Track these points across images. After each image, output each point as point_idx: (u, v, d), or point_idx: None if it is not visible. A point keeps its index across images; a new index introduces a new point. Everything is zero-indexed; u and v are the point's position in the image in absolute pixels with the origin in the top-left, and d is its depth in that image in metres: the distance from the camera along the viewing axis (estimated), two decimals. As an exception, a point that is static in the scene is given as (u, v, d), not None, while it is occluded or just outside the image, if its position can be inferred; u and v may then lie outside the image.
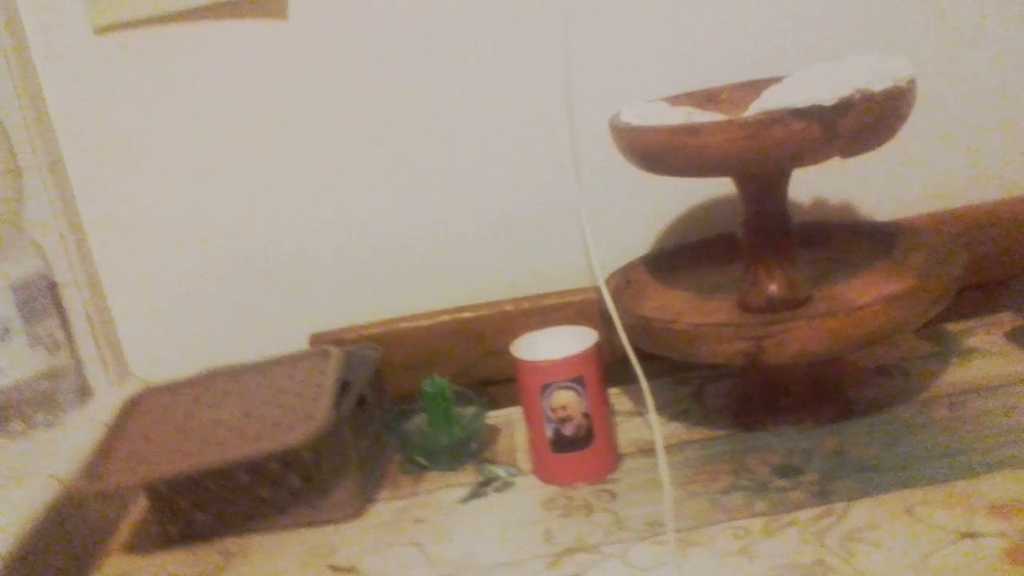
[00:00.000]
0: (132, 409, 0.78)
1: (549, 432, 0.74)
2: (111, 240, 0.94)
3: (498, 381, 0.93)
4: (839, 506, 0.64)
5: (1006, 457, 0.66)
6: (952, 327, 0.88)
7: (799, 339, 0.67)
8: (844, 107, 0.62)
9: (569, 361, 0.72)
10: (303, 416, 0.71)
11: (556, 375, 0.72)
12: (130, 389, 0.91)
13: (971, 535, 0.58)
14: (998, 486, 0.63)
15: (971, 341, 0.85)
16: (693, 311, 0.80)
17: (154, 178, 0.92)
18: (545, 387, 0.73)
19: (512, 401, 0.82)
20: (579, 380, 0.72)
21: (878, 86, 0.64)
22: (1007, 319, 0.88)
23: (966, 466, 0.65)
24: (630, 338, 0.75)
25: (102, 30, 0.87)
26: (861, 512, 0.63)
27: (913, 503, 0.63)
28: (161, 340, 0.97)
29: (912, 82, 0.67)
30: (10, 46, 0.86)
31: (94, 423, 0.86)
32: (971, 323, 0.88)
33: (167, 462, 0.70)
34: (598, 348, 0.74)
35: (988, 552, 0.56)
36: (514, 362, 0.74)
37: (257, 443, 0.69)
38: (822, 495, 0.66)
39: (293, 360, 0.81)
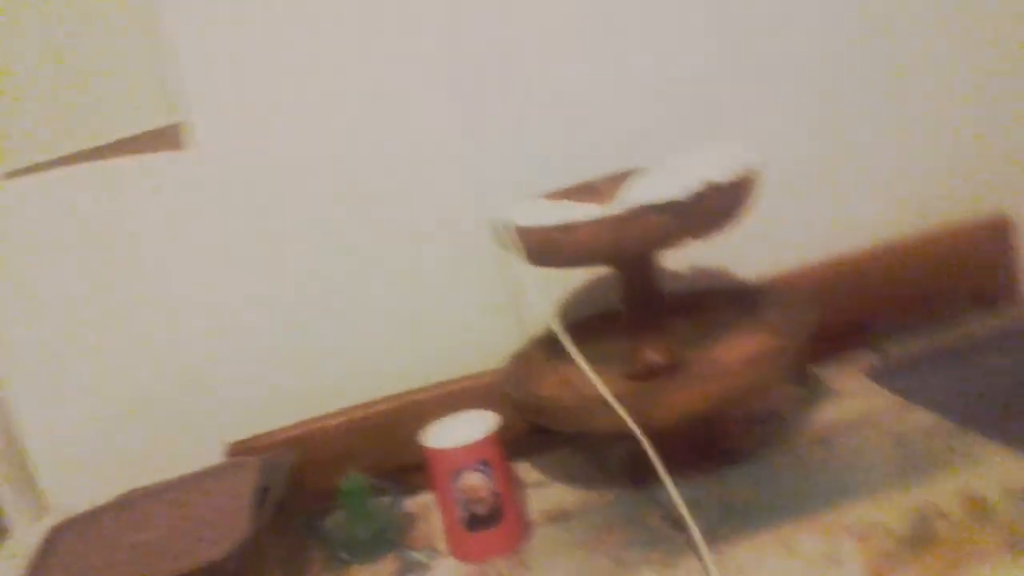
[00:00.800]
0: (52, 542, 0.80)
1: (462, 513, 0.79)
2: (19, 378, 0.96)
3: (414, 468, 0.97)
4: (722, 546, 0.70)
5: (867, 486, 0.73)
6: (819, 370, 0.97)
7: (676, 403, 0.74)
8: (695, 200, 0.71)
9: (475, 447, 0.78)
10: (226, 530, 0.74)
11: (464, 461, 0.78)
12: (49, 522, 0.92)
13: (835, 560, 0.65)
14: (858, 513, 0.70)
15: (836, 383, 0.93)
16: (585, 384, 0.86)
17: (58, 315, 0.95)
18: (455, 472, 0.78)
19: (429, 486, 0.86)
20: (485, 463, 0.78)
21: (725, 177, 0.73)
22: (865, 358, 0.97)
23: (834, 499, 0.73)
24: (528, 416, 0.81)
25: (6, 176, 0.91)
26: (742, 554, 0.69)
27: (786, 535, 0.70)
28: (77, 469, 0.98)
29: (755, 170, 0.76)
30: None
31: (14, 559, 0.87)
32: (836, 363, 0.97)
33: (94, 590, 0.72)
34: (498, 432, 0.79)
35: (850, 573, 0.63)
36: (424, 451, 0.79)
37: (182, 561, 0.72)
38: (708, 537, 0.72)
39: (211, 474, 0.84)
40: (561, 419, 0.80)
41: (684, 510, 0.70)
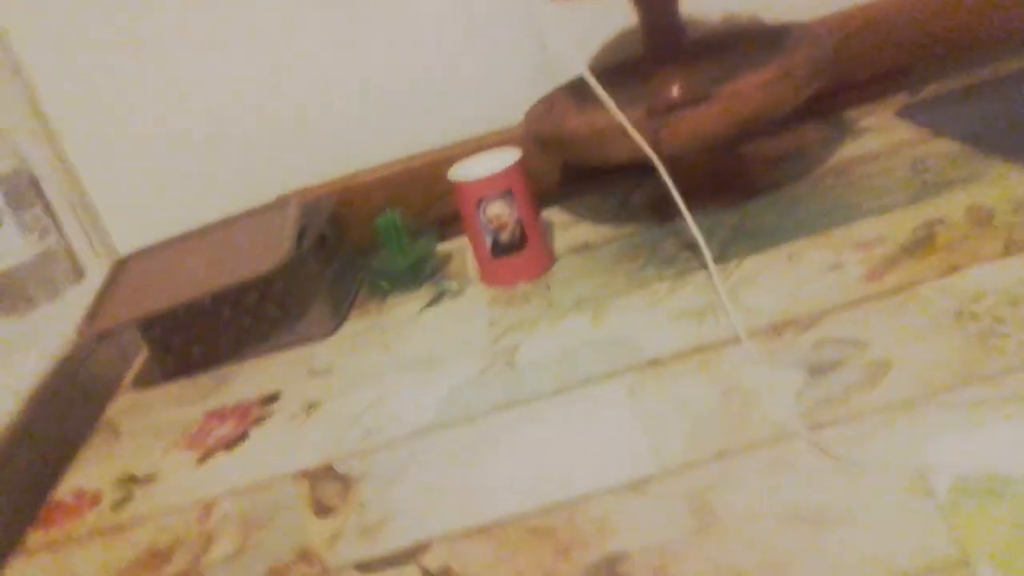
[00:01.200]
0: (120, 268, 0.88)
1: (488, 241, 0.83)
2: (81, 131, 1.02)
3: (451, 219, 1.02)
4: (732, 264, 0.74)
5: (878, 205, 0.75)
6: (851, 113, 0.96)
7: (689, 127, 0.75)
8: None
9: (498, 177, 0.81)
10: (270, 251, 0.81)
11: (488, 190, 0.81)
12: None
13: (837, 267, 0.68)
14: (865, 228, 0.72)
15: (864, 122, 0.93)
16: (608, 118, 0.88)
17: (115, 66, 0.99)
18: (480, 202, 0.82)
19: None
20: (509, 192, 0.82)
21: None
22: (901, 100, 0.96)
23: (844, 219, 0.75)
24: (552, 151, 0.84)
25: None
26: (749, 265, 0.73)
27: (793, 251, 0.73)
28: (139, 218, 1.06)
29: None
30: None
31: (90, 295, 0.96)
32: (869, 108, 0.97)
33: (156, 301, 0.80)
34: (522, 163, 0.83)
35: (850, 276, 0.67)
36: (453, 186, 0.83)
37: (232, 275, 0.79)
38: (720, 258, 0.76)
39: (257, 212, 0.90)
40: (582, 151, 0.82)
41: (697, 233, 0.73)
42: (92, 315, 0.81)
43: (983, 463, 0.44)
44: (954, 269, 0.63)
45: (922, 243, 0.68)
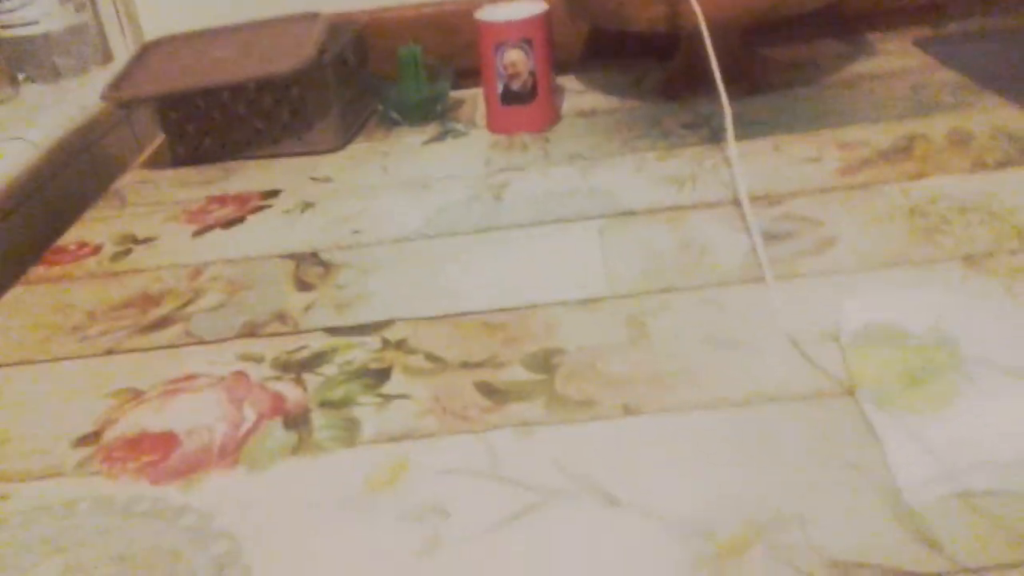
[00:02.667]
0: (148, 49, 0.92)
1: (500, 87, 0.87)
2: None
3: (472, 72, 1.05)
4: (722, 145, 0.78)
5: (870, 116, 0.79)
6: (872, 35, 0.99)
7: (710, 4, 0.78)
8: None
9: (520, 23, 0.84)
10: (292, 54, 0.84)
11: (508, 35, 0.85)
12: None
13: (816, 160, 0.73)
14: (852, 132, 0.76)
15: (881, 46, 0.96)
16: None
17: None
18: (499, 46, 0.85)
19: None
20: (528, 42, 0.85)
21: None
22: (923, 32, 0.98)
23: (836, 122, 0.79)
24: (576, 12, 0.87)
25: None
26: (738, 149, 0.77)
27: (780, 143, 0.77)
28: (173, 13, 1.09)
29: None
30: None
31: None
32: (891, 35, 0.99)
33: (179, 82, 0.84)
34: (547, 17, 0.85)
35: (825, 169, 0.71)
36: (475, 25, 0.86)
37: (253, 71, 0.83)
38: (712, 139, 0.80)
39: (287, 19, 0.93)
40: (604, 11, 0.85)
41: (726, 102, 0.77)
42: (116, 85, 0.85)
43: (886, 319, 0.49)
44: (921, 176, 0.67)
45: (899, 151, 0.72)
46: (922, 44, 0.94)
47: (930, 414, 0.42)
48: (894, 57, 0.92)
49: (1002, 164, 0.67)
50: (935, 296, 0.52)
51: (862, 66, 0.91)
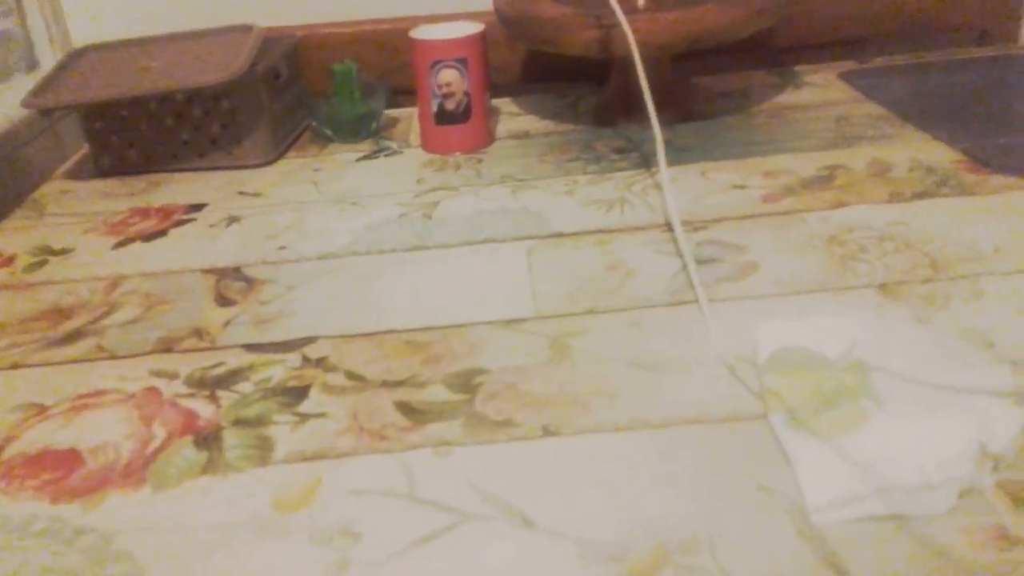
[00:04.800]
0: (74, 56, 0.89)
1: (434, 106, 0.87)
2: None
3: (407, 92, 1.05)
4: (652, 170, 0.79)
5: (795, 146, 0.81)
6: (800, 68, 1.01)
7: (643, 30, 0.79)
8: None
9: (455, 42, 0.84)
10: (223, 66, 0.83)
11: (443, 54, 0.85)
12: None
13: (742, 187, 0.74)
14: (777, 161, 0.78)
15: (808, 78, 0.98)
16: (567, 13, 0.91)
17: None
18: (434, 64, 0.85)
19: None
20: (463, 61, 0.85)
21: None
22: (849, 66, 1.01)
23: (761, 151, 0.81)
24: (513, 34, 0.88)
25: None
26: (666, 174, 0.78)
27: (707, 169, 0.78)
28: (103, 21, 1.06)
29: None
30: None
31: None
32: (817, 67, 1.02)
33: (104, 90, 0.82)
34: (482, 37, 0.86)
35: (750, 196, 0.72)
36: (410, 43, 0.86)
37: (181, 80, 0.82)
38: (643, 163, 0.81)
39: (220, 31, 0.92)
40: (541, 33, 0.85)
41: (657, 131, 0.77)
42: (37, 91, 0.83)
43: (801, 344, 0.50)
44: (840, 205, 0.69)
45: (821, 181, 0.73)
46: (847, 77, 0.97)
47: (840, 438, 0.43)
48: (820, 89, 0.94)
49: (919, 195, 0.69)
50: (850, 322, 0.53)
51: (789, 97, 0.93)
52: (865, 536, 0.39)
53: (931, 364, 0.48)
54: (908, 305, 0.55)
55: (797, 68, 1.02)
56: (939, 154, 0.76)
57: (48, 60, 1.05)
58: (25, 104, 0.81)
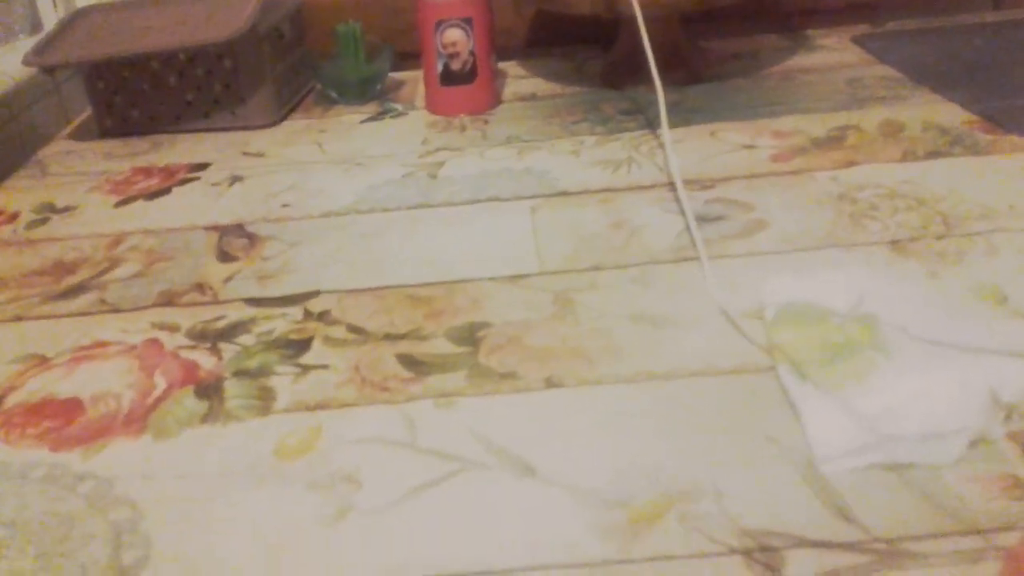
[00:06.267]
0: (77, 16, 0.88)
1: (439, 66, 0.86)
2: None
3: (413, 55, 1.04)
4: (659, 131, 0.78)
5: (806, 107, 0.79)
6: (812, 31, 1.00)
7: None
8: None
9: (460, 1, 0.83)
10: (226, 24, 0.82)
11: (448, 12, 0.83)
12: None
13: (751, 147, 0.73)
14: (787, 122, 0.77)
15: (821, 41, 0.97)
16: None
17: None
18: (439, 23, 0.84)
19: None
20: (468, 21, 0.84)
21: None
22: (862, 29, 1.00)
23: (771, 112, 0.79)
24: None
25: None
26: (675, 135, 0.77)
27: (716, 129, 0.77)
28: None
29: None
30: None
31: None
32: (830, 31, 1.00)
33: (106, 48, 0.81)
34: (487, -1, 0.85)
35: (759, 156, 0.71)
36: (416, 2, 0.85)
37: (183, 38, 0.81)
38: (649, 125, 0.80)
39: (223, -9, 0.91)
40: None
41: (660, 94, 0.76)
42: (39, 50, 0.82)
43: (809, 297, 0.49)
44: (851, 164, 0.68)
45: (832, 141, 0.72)
46: (860, 40, 0.95)
47: (848, 388, 0.42)
48: (832, 52, 0.93)
49: (932, 154, 0.68)
50: (858, 277, 0.52)
51: (801, 60, 0.92)
52: (874, 485, 0.38)
53: (942, 318, 0.47)
54: (920, 261, 0.54)
55: (808, 32, 1.00)
56: (953, 115, 0.74)
57: (51, 22, 1.04)
58: (27, 62, 0.80)
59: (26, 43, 0.99)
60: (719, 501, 0.38)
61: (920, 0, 1.03)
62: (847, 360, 0.44)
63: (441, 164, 0.76)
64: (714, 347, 0.48)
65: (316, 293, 0.58)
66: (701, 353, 0.48)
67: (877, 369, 0.43)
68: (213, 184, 0.76)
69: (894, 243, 0.56)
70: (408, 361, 0.50)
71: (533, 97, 0.90)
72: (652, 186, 0.68)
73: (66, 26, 0.87)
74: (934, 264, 0.54)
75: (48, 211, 0.74)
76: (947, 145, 0.69)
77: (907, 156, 0.68)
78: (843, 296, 0.49)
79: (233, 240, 0.66)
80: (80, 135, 0.91)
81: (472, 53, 0.85)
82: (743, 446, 0.41)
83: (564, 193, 0.68)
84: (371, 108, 0.92)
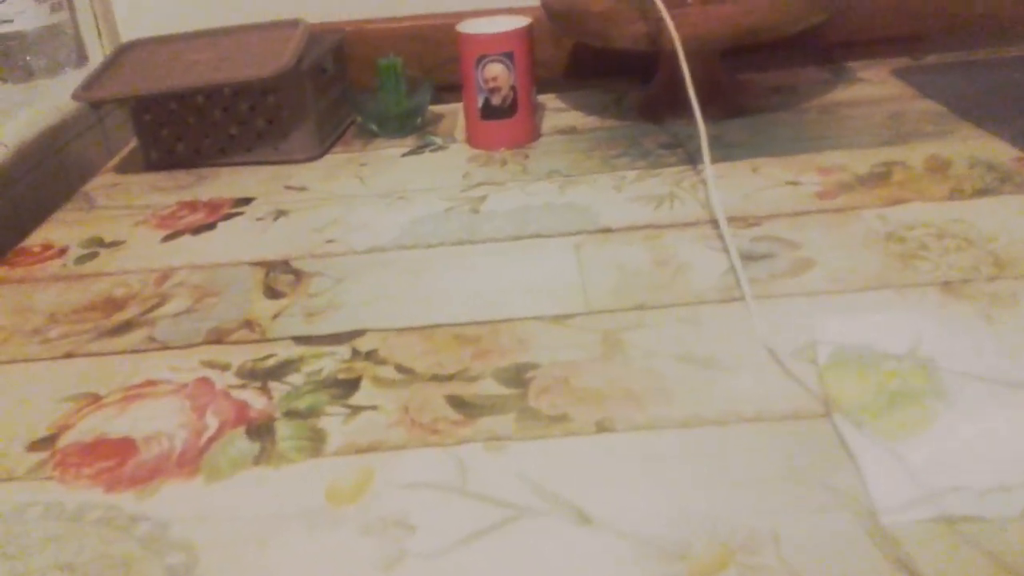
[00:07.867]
0: (124, 50, 0.90)
1: (480, 101, 0.86)
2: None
3: (451, 87, 1.05)
4: (700, 166, 0.78)
5: (849, 142, 0.79)
6: (852, 64, 1.00)
7: (693, 23, 0.78)
8: None
9: (502, 36, 0.84)
10: (270, 60, 0.83)
11: (490, 48, 0.84)
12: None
13: (795, 183, 0.72)
14: (830, 157, 0.76)
15: (861, 74, 0.97)
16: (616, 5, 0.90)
17: None
18: (480, 58, 0.85)
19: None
20: (510, 55, 0.84)
21: None
22: (903, 62, 0.99)
23: (814, 147, 0.79)
24: (559, 28, 0.87)
25: None
26: (716, 170, 0.77)
27: (759, 165, 0.77)
28: (152, 17, 1.07)
29: None
30: None
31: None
32: (870, 63, 1.00)
33: (153, 83, 0.83)
34: (529, 31, 0.85)
35: (804, 192, 0.71)
36: (457, 38, 0.86)
37: (228, 74, 0.82)
38: (690, 159, 0.80)
39: (267, 26, 0.92)
40: (589, 27, 0.85)
41: (702, 128, 0.76)
42: (88, 85, 0.84)
43: (863, 341, 0.49)
44: (898, 202, 0.67)
45: (878, 177, 0.72)
46: (901, 74, 0.95)
47: (908, 438, 0.42)
48: (873, 86, 0.92)
49: (980, 192, 0.67)
50: (913, 319, 0.51)
51: (841, 93, 0.91)
52: (937, 538, 0.38)
53: (1001, 362, 0.46)
54: (973, 304, 0.53)
55: (849, 64, 1.00)
56: (999, 151, 0.74)
57: (97, 55, 1.06)
58: (76, 97, 0.82)
59: (72, 75, 1.01)
60: (779, 552, 0.38)
61: (961, 33, 1.02)
62: (905, 408, 0.43)
63: (483, 199, 0.76)
64: (765, 390, 0.48)
65: (363, 331, 0.58)
66: (752, 397, 0.48)
67: (936, 417, 0.42)
68: (258, 219, 0.77)
69: (945, 285, 0.56)
70: (457, 403, 0.50)
71: (573, 131, 0.91)
72: (696, 223, 0.68)
73: (113, 61, 0.89)
74: (987, 307, 0.53)
75: (96, 245, 0.75)
76: (996, 183, 0.68)
77: (955, 194, 0.67)
78: (898, 339, 0.49)
79: (280, 276, 0.67)
80: (125, 168, 0.92)
81: (513, 88, 0.85)
82: (801, 495, 0.41)
83: (607, 229, 0.68)
84: (411, 141, 0.92)
